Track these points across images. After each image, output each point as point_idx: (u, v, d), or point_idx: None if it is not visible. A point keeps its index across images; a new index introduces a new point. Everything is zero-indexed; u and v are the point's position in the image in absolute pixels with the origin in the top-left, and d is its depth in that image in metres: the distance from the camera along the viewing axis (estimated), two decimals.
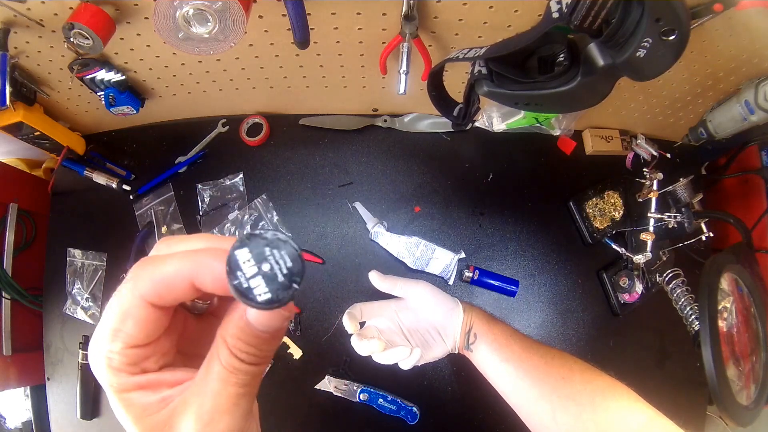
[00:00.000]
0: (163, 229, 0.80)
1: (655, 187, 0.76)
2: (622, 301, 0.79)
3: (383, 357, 0.55)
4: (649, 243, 0.74)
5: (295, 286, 0.19)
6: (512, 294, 0.77)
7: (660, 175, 0.76)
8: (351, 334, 0.57)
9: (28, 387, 0.86)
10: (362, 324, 0.60)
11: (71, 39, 0.54)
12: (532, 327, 0.79)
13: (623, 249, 0.79)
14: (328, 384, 0.73)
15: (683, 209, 0.73)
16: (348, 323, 0.57)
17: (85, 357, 0.77)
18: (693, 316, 0.71)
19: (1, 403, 0.91)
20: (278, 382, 0.75)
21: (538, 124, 0.82)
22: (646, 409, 0.47)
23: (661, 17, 0.37)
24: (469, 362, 0.58)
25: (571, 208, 0.80)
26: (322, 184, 0.80)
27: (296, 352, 0.75)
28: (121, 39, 0.61)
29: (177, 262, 0.21)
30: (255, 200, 0.80)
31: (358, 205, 0.79)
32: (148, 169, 0.83)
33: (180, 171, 0.81)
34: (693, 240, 0.74)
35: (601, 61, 0.42)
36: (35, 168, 0.91)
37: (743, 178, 0.85)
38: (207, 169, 0.82)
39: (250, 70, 0.71)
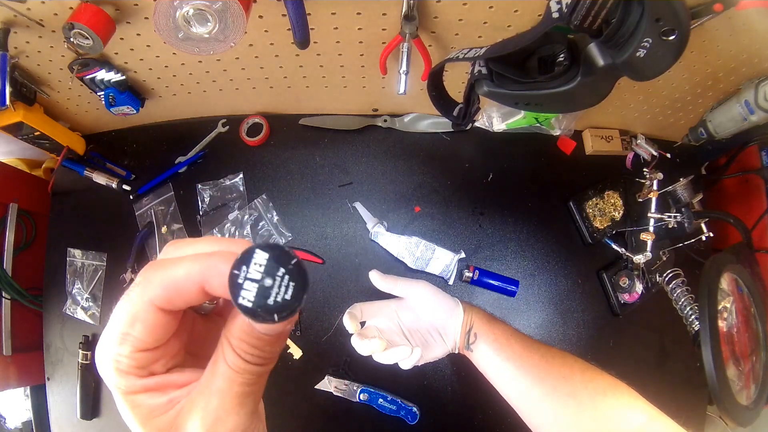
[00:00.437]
0: (163, 229, 0.80)
1: (655, 187, 0.76)
2: (622, 301, 0.79)
3: (384, 357, 0.55)
4: (649, 243, 0.74)
5: (275, 317, 0.18)
6: (512, 294, 0.77)
7: (660, 175, 0.76)
8: (351, 334, 0.57)
9: (28, 387, 0.86)
10: (362, 324, 0.60)
11: (71, 39, 0.54)
12: (532, 327, 0.79)
13: (623, 249, 0.79)
14: (328, 384, 0.73)
15: (683, 209, 0.73)
16: (349, 323, 0.57)
17: (85, 357, 0.77)
18: (693, 316, 0.71)
19: (1, 403, 0.91)
20: (278, 382, 0.75)
21: (538, 124, 0.82)
22: (647, 408, 0.47)
23: (661, 17, 0.37)
24: (469, 362, 0.58)
25: (571, 208, 0.80)
26: (322, 184, 0.80)
27: (296, 352, 0.75)
28: (121, 39, 0.61)
29: (187, 266, 0.20)
30: (255, 200, 0.80)
31: (358, 205, 0.79)
32: (148, 169, 0.83)
33: (180, 171, 0.81)
34: (693, 240, 0.74)
35: (601, 61, 0.42)
36: (35, 168, 0.91)
37: (743, 178, 0.85)
38: (207, 169, 0.82)
39: (250, 70, 0.71)
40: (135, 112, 0.73)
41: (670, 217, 0.73)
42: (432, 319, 0.60)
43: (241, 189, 0.80)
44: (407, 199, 0.80)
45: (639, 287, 0.78)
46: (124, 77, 0.68)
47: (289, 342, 0.75)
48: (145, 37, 0.61)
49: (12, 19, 0.56)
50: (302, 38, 0.54)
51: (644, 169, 0.78)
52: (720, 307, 0.60)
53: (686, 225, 0.73)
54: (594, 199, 0.81)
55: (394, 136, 0.83)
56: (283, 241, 0.78)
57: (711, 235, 0.73)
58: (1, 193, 0.80)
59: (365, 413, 0.73)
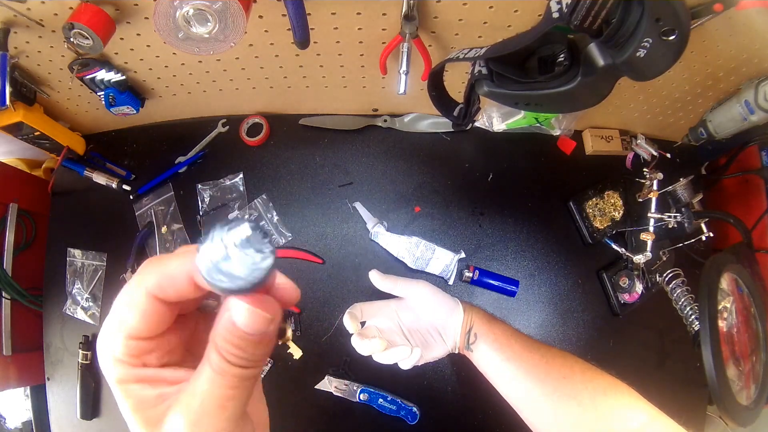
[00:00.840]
0: (163, 229, 0.80)
1: (655, 187, 0.76)
2: (622, 301, 0.79)
3: (384, 357, 0.55)
4: (649, 243, 0.74)
5: (242, 283, 0.19)
6: (512, 294, 0.77)
7: (660, 175, 0.76)
8: (352, 334, 0.57)
9: (28, 387, 0.86)
10: (362, 324, 0.60)
11: (71, 39, 0.54)
12: (532, 327, 0.79)
13: (623, 249, 0.79)
14: (328, 384, 0.73)
15: (683, 209, 0.74)
16: (349, 323, 0.57)
17: (85, 357, 0.77)
18: (693, 316, 0.71)
19: (1, 403, 0.91)
20: (278, 382, 0.75)
21: (538, 124, 0.82)
22: (648, 408, 0.47)
23: (661, 17, 0.37)
24: (469, 362, 0.58)
25: (571, 208, 0.80)
26: (322, 184, 0.80)
27: (296, 352, 0.75)
28: (121, 39, 0.61)
29: (180, 258, 0.22)
30: (255, 200, 0.80)
31: (358, 205, 0.79)
32: (148, 169, 0.83)
33: (180, 171, 0.81)
34: (693, 240, 0.74)
35: (601, 61, 0.42)
36: (35, 168, 0.91)
37: (743, 178, 0.85)
38: (207, 169, 0.82)
39: (250, 70, 0.71)
40: (135, 112, 0.73)
41: (670, 217, 0.73)
42: (432, 319, 0.60)
43: (241, 189, 0.80)
44: (407, 199, 0.80)
45: (639, 287, 0.78)
46: (124, 77, 0.68)
47: (289, 342, 0.75)
48: (145, 37, 0.61)
49: (12, 19, 0.56)
50: (302, 38, 0.54)
51: (644, 169, 0.78)
52: (720, 307, 0.60)
53: (686, 225, 0.73)
54: (594, 199, 0.81)
55: (394, 136, 0.83)
56: (284, 241, 0.78)
57: (711, 235, 0.73)
58: (1, 193, 0.80)
59: (365, 413, 0.73)
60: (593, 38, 0.42)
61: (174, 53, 0.65)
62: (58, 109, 0.77)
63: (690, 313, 0.72)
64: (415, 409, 0.73)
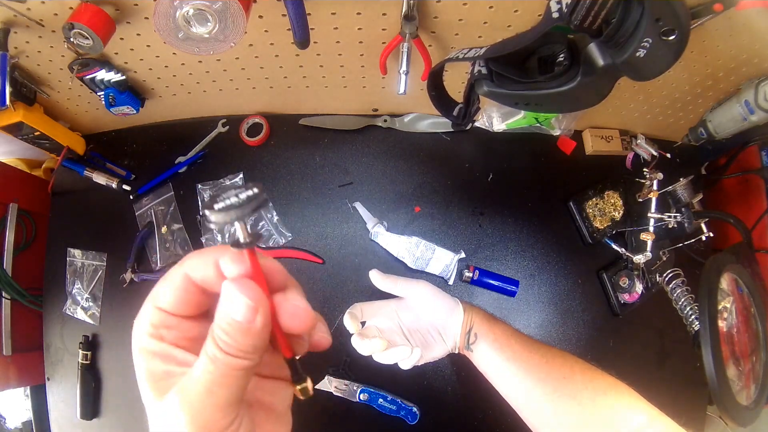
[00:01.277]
0: (163, 229, 0.80)
1: (655, 187, 0.76)
2: (622, 301, 0.79)
3: (384, 356, 0.55)
4: (649, 243, 0.74)
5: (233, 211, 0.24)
6: (512, 294, 0.77)
7: (660, 175, 0.76)
8: (352, 334, 0.57)
9: (28, 387, 0.86)
10: (363, 324, 0.60)
11: (71, 39, 0.54)
12: (532, 327, 0.79)
13: (623, 249, 0.79)
14: (328, 384, 0.73)
15: (683, 209, 0.73)
16: (350, 323, 0.57)
17: (85, 357, 0.77)
18: (693, 316, 0.71)
19: (1, 403, 0.91)
20: None
21: (538, 124, 0.82)
22: (648, 408, 0.47)
23: (661, 17, 0.37)
24: (469, 362, 0.58)
25: (571, 208, 0.80)
26: (322, 184, 0.80)
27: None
28: (121, 39, 0.61)
29: (215, 248, 0.25)
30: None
31: (358, 205, 0.79)
32: (148, 169, 0.83)
33: (180, 171, 0.81)
34: (693, 240, 0.74)
35: (601, 61, 0.42)
36: (35, 168, 0.91)
37: (743, 178, 0.85)
38: (207, 169, 0.82)
39: (250, 70, 0.71)
40: (135, 112, 0.73)
41: (670, 217, 0.73)
42: (432, 319, 0.60)
43: None
44: (407, 199, 0.80)
45: (639, 287, 0.78)
46: (124, 77, 0.68)
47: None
48: (145, 37, 0.61)
49: (12, 19, 0.56)
50: (302, 38, 0.54)
51: (644, 169, 0.78)
52: (720, 307, 0.60)
53: (686, 225, 0.73)
54: (594, 199, 0.81)
55: (394, 136, 0.83)
56: (283, 241, 0.78)
57: (711, 235, 0.73)
58: (1, 193, 0.80)
59: (365, 413, 0.73)
60: (593, 38, 0.42)
61: (174, 53, 0.65)
62: (58, 109, 0.77)
63: (690, 313, 0.72)
64: (415, 409, 0.73)
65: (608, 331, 0.80)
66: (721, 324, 0.60)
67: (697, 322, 0.70)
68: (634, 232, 0.78)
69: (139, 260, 0.80)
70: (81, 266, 0.82)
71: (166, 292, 0.25)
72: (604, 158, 0.85)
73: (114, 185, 0.80)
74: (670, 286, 0.75)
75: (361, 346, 0.55)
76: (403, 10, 0.56)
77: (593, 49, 0.42)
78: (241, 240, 0.24)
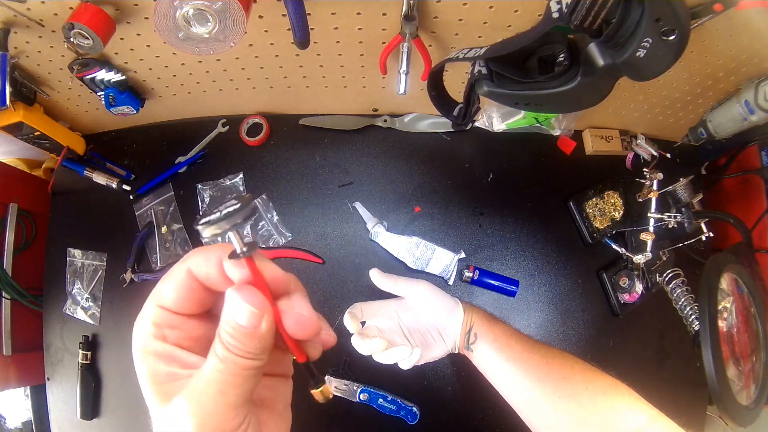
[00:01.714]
0: (163, 229, 0.80)
1: (655, 187, 0.76)
2: (622, 301, 0.79)
3: (384, 356, 0.55)
4: (649, 243, 0.74)
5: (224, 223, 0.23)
6: (512, 294, 0.77)
7: (660, 175, 0.76)
8: (352, 334, 0.57)
9: (28, 387, 0.86)
10: (362, 323, 0.60)
11: (71, 39, 0.54)
12: (532, 327, 0.79)
13: (623, 249, 0.79)
14: (328, 384, 0.73)
15: (683, 209, 0.73)
16: (350, 323, 0.57)
17: (86, 357, 0.77)
18: (693, 316, 0.71)
19: (1, 403, 0.91)
20: None
21: (538, 124, 0.82)
22: (647, 409, 0.47)
23: (661, 17, 0.37)
24: (469, 362, 0.58)
25: (571, 208, 0.80)
26: (322, 184, 0.80)
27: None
28: (121, 39, 0.61)
29: (219, 246, 0.25)
30: (255, 200, 0.80)
31: (358, 205, 0.79)
32: (148, 169, 0.83)
33: (180, 171, 0.81)
34: (693, 240, 0.74)
35: (601, 61, 0.42)
36: (35, 168, 0.91)
37: (743, 178, 0.85)
38: (207, 169, 0.82)
39: (250, 70, 0.71)
40: (135, 112, 0.73)
41: (670, 217, 0.73)
42: (432, 319, 0.60)
43: (241, 189, 0.80)
44: (407, 199, 0.80)
45: (639, 287, 0.78)
46: (124, 77, 0.68)
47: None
48: (145, 37, 0.61)
49: (12, 19, 0.56)
50: (302, 38, 0.54)
51: (644, 169, 0.78)
52: (720, 307, 0.60)
53: (686, 225, 0.73)
54: (594, 199, 0.81)
55: (394, 136, 0.83)
56: (283, 241, 0.78)
57: (711, 235, 0.73)
58: (1, 193, 0.80)
59: (365, 413, 0.73)
60: (593, 38, 0.42)
61: (174, 53, 0.65)
62: (58, 109, 0.77)
63: (690, 313, 0.72)
64: (415, 409, 0.73)
65: (608, 331, 0.80)
66: (721, 324, 0.60)
67: (697, 322, 0.70)
68: (634, 232, 0.78)
69: (139, 260, 0.80)
70: (81, 266, 0.82)
71: (169, 290, 0.25)
72: (604, 158, 0.85)
73: (114, 185, 0.80)
74: (670, 286, 0.75)
75: (361, 346, 0.55)
76: (403, 10, 0.56)
77: (593, 49, 0.42)
78: (237, 250, 0.24)
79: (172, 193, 0.81)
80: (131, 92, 0.71)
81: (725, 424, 0.76)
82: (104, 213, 0.83)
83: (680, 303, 0.73)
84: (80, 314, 0.80)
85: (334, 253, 0.78)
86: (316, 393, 0.28)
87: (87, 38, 0.53)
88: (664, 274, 0.76)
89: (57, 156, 0.78)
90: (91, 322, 0.80)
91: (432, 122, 0.82)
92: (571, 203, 0.80)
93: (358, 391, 0.72)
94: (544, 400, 0.51)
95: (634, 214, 0.81)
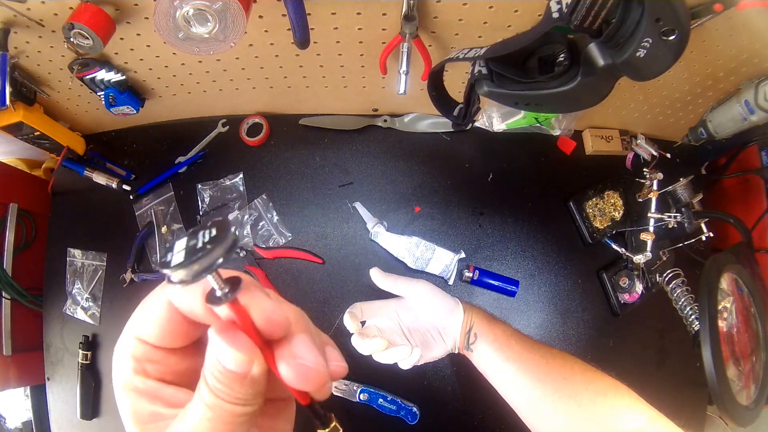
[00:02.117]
0: (163, 229, 0.80)
1: (655, 187, 0.76)
2: (622, 301, 0.79)
3: (384, 356, 0.55)
4: (649, 243, 0.74)
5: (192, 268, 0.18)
6: (512, 294, 0.77)
7: (660, 175, 0.76)
8: (352, 334, 0.57)
9: (28, 387, 0.86)
10: (362, 323, 0.60)
11: (71, 39, 0.54)
12: (532, 327, 0.79)
13: (623, 249, 0.79)
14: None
15: (683, 209, 0.73)
16: (350, 322, 0.57)
17: (85, 357, 0.77)
18: (693, 316, 0.71)
19: (1, 403, 0.91)
20: None
21: (538, 124, 0.82)
22: (647, 409, 0.47)
23: (661, 17, 0.37)
24: (469, 362, 0.58)
25: (571, 208, 0.80)
26: (322, 184, 0.80)
27: None
28: (121, 39, 0.61)
29: None
30: (255, 200, 0.80)
31: (358, 205, 0.79)
32: (148, 169, 0.83)
33: (180, 171, 0.81)
34: (693, 240, 0.74)
35: (601, 61, 0.42)
36: (35, 168, 0.91)
37: (743, 178, 0.85)
38: (207, 169, 0.82)
39: (250, 70, 0.71)
40: (135, 112, 0.73)
41: (670, 217, 0.73)
42: (432, 319, 0.60)
43: (241, 189, 0.80)
44: (407, 199, 0.80)
45: (639, 287, 0.78)
46: (124, 77, 0.68)
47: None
48: (145, 37, 0.61)
49: (12, 19, 0.56)
50: (302, 38, 0.54)
51: (644, 169, 0.78)
52: (720, 307, 0.60)
53: (686, 225, 0.73)
54: (594, 199, 0.81)
55: (394, 136, 0.83)
56: (283, 241, 0.78)
57: (711, 235, 0.73)
58: (1, 193, 0.80)
59: (365, 413, 0.73)
60: (593, 38, 0.42)
61: (174, 53, 0.65)
62: (58, 109, 0.77)
63: (690, 313, 0.72)
64: (415, 409, 0.73)
65: (608, 331, 0.80)
66: (721, 324, 0.60)
67: (697, 322, 0.70)
68: (634, 232, 0.78)
69: (139, 260, 0.80)
70: (81, 266, 0.82)
71: (148, 323, 0.22)
72: (604, 158, 0.85)
73: (114, 185, 0.80)
74: (670, 286, 0.75)
75: (361, 345, 0.55)
76: (403, 10, 0.56)
77: (593, 49, 0.42)
78: (218, 293, 0.19)
79: (172, 193, 0.81)
80: (131, 92, 0.71)
81: (725, 424, 0.76)
82: (104, 213, 0.83)
83: (680, 303, 0.73)
84: (80, 314, 0.80)
85: (334, 253, 0.78)
86: None
87: (87, 38, 0.54)
88: (664, 274, 0.76)
89: (57, 156, 0.78)
90: (91, 322, 0.80)
91: (432, 122, 0.82)
92: (571, 203, 0.80)
93: (358, 391, 0.72)
94: (543, 400, 0.51)
95: (634, 214, 0.81)
